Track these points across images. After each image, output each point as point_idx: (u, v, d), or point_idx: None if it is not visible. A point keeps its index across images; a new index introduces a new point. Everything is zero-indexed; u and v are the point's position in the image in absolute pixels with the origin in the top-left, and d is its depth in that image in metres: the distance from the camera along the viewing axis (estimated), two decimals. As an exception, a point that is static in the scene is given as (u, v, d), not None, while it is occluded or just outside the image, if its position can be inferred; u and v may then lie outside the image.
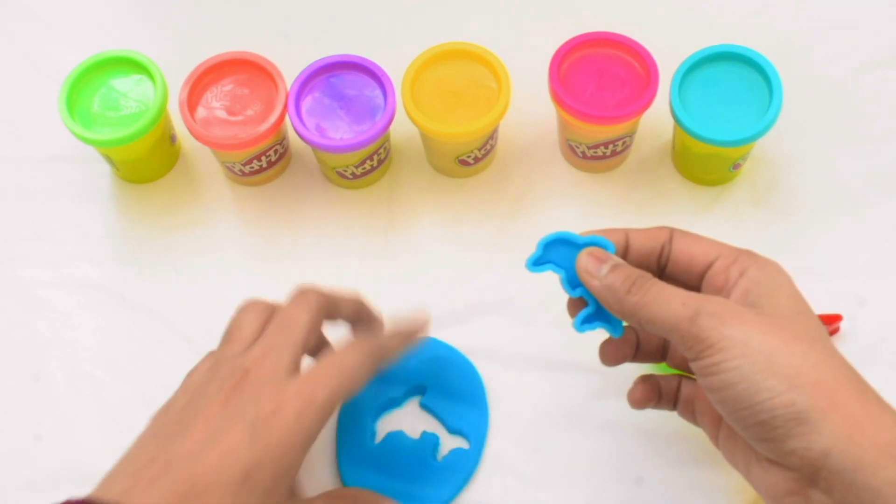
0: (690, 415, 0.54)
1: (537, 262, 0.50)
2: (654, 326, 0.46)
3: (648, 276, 0.48)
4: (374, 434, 0.61)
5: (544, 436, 0.61)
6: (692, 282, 0.50)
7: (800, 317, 0.45)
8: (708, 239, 0.50)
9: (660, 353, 0.55)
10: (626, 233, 0.51)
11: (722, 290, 0.48)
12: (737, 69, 0.63)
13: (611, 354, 0.54)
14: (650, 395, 0.54)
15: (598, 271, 0.48)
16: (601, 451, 0.60)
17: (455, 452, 0.60)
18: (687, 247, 0.49)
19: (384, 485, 0.59)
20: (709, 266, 0.49)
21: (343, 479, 0.60)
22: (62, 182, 0.70)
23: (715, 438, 0.51)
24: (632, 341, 0.54)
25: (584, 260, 0.49)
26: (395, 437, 0.60)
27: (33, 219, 0.70)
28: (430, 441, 0.60)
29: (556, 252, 0.50)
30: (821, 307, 0.62)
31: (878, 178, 0.67)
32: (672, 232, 0.51)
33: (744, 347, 0.43)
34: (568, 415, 0.61)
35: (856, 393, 0.43)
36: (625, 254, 0.51)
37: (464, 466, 0.60)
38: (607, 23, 0.66)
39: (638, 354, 0.55)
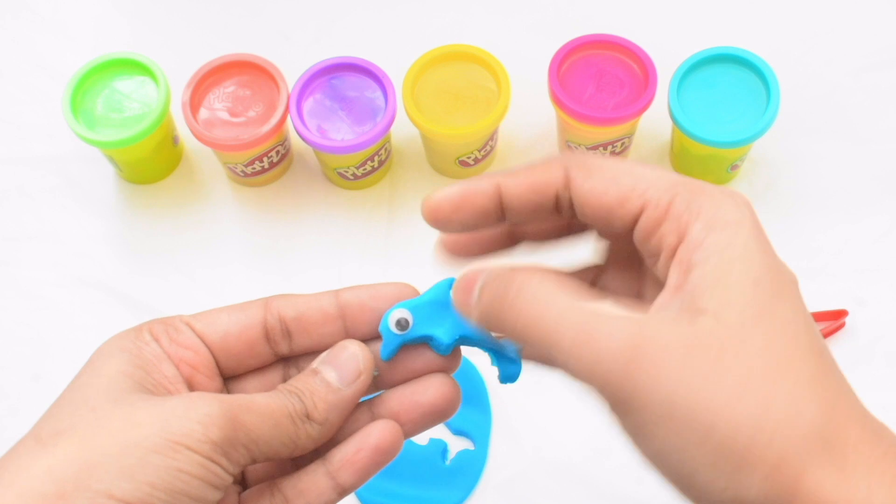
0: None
1: (392, 352, 0.38)
2: (548, 362, 0.33)
3: (523, 276, 0.33)
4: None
5: (546, 434, 0.61)
6: (621, 236, 0.35)
7: (762, 323, 0.30)
8: (625, 169, 0.33)
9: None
10: (498, 185, 0.35)
11: (659, 258, 0.33)
12: (734, 71, 0.64)
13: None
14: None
15: (471, 300, 0.35)
16: (602, 450, 0.60)
17: (462, 454, 0.61)
18: (595, 193, 0.33)
19: (397, 491, 0.59)
20: (633, 221, 0.33)
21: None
22: (65, 183, 0.71)
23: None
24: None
25: (455, 295, 0.36)
26: (404, 445, 0.61)
27: (36, 219, 0.70)
28: (438, 446, 0.61)
29: (418, 322, 0.37)
30: (820, 308, 0.63)
31: (875, 179, 0.68)
32: (567, 169, 0.34)
33: (669, 410, 0.29)
34: (569, 413, 0.62)
35: (835, 460, 0.29)
36: (501, 215, 0.35)
37: (472, 467, 0.60)
38: (606, 25, 0.66)
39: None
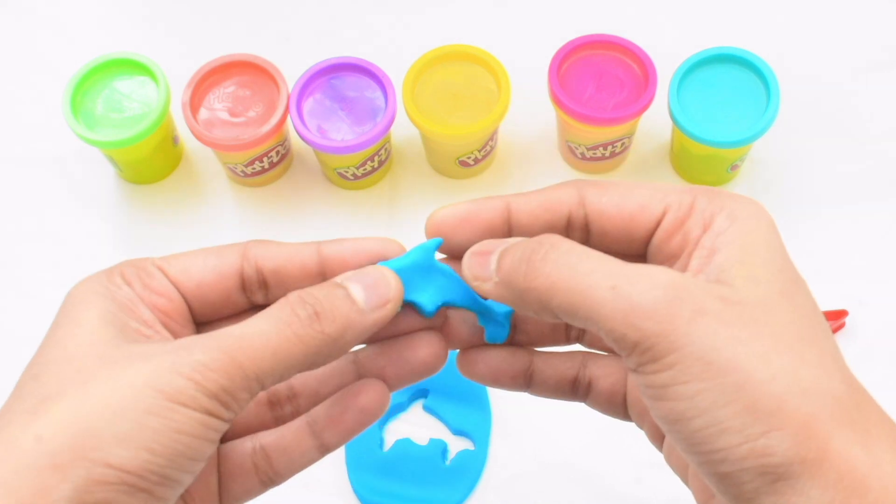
0: (616, 409, 0.39)
1: None
2: (575, 319, 0.31)
3: (554, 239, 0.33)
4: (382, 442, 0.61)
5: (545, 434, 0.61)
6: (633, 253, 0.35)
7: (786, 300, 0.31)
8: (643, 185, 0.34)
9: (569, 388, 0.39)
10: (507, 204, 0.35)
11: (679, 259, 0.33)
12: (734, 71, 0.64)
13: (499, 372, 0.38)
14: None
15: (488, 269, 0.34)
16: (601, 450, 0.60)
17: (462, 454, 0.61)
18: (613, 206, 0.34)
19: (396, 491, 0.59)
20: (655, 225, 0.34)
21: (353, 487, 0.60)
22: (66, 183, 0.71)
23: (658, 443, 0.39)
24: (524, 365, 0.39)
25: (469, 264, 0.34)
26: (404, 445, 0.61)
27: (37, 219, 0.70)
28: (438, 446, 0.61)
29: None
30: (820, 308, 0.63)
31: (875, 179, 0.68)
32: (581, 189, 0.35)
33: (703, 365, 0.29)
34: (568, 413, 0.61)
35: (860, 431, 0.30)
36: (507, 234, 0.36)
37: (472, 468, 0.60)
38: (606, 25, 0.66)
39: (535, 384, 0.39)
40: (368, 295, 0.34)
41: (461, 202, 0.36)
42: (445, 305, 0.37)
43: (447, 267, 0.36)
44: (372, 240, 0.36)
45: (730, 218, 0.32)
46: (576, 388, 0.39)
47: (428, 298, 0.36)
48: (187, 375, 0.31)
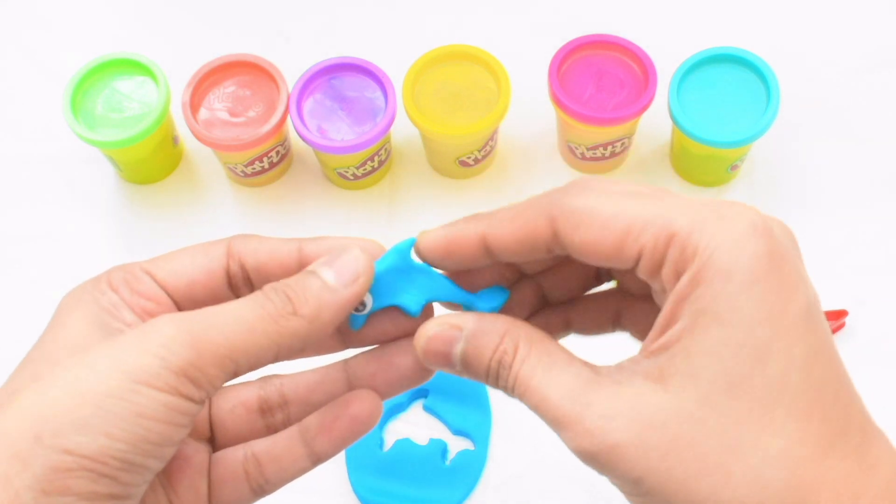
0: None
1: (361, 323, 0.37)
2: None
3: (529, 340, 0.34)
4: (382, 442, 0.61)
5: (545, 434, 0.61)
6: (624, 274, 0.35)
7: (733, 393, 0.29)
8: (614, 210, 0.32)
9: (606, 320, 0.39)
10: (482, 234, 0.34)
11: (664, 293, 0.32)
12: (735, 71, 0.64)
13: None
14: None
15: (454, 366, 0.34)
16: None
17: (462, 454, 0.61)
18: (588, 245, 0.32)
19: (396, 491, 0.59)
20: (633, 264, 0.32)
21: (353, 487, 0.60)
22: (66, 183, 0.71)
23: None
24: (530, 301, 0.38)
25: (429, 361, 0.35)
26: (404, 445, 0.61)
27: (37, 219, 0.70)
28: (438, 446, 0.61)
29: (380, 292, 0.36)
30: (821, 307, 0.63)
31: (875, 179, 0.68)
32: (553, 220, 0.33)
33: (634, 488, 0.31)
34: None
35: None
36: (492, 261, 0.35)
37: (472, 467, 0.60)
38: (606, 25, 0.66)
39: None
40: (339, 273, 0.34)
41: (438, 228, 0.35)
42: (431, 302, 0.36)
43: (425, 265, 0.36)
44: (352, 240, 0.36)
45: (693, 281, 0.30)
46: (614, 330, 0.39)
47: (411, 299, 0.36)
48: (153, 352, 0.31)
